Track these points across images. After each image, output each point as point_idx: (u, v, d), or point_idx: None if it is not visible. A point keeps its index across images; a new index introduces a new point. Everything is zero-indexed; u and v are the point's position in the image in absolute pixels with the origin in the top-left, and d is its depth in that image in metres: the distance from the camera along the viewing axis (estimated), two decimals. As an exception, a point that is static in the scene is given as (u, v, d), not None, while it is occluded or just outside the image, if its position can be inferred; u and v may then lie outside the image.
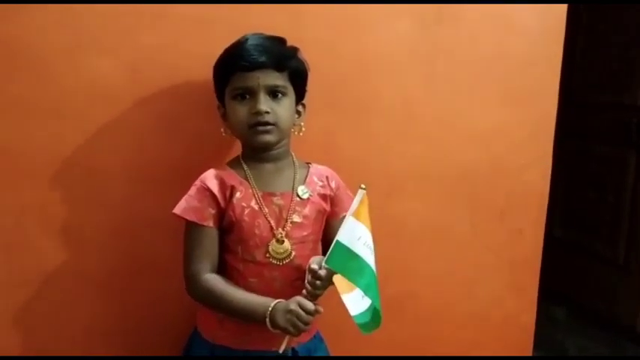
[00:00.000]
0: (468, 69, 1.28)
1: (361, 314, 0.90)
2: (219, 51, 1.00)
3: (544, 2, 1.29)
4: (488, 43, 1.28)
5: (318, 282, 0.90)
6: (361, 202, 0.90)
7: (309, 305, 0.89)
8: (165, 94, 1.11)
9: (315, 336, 1.06)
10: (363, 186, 0.91)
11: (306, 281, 0.91)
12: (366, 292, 0.88)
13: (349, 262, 0.88)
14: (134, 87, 1.10)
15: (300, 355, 1.01)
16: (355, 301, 0.90)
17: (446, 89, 1.28)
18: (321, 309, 0.90)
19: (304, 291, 0.90)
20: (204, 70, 1.03)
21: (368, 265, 0.89)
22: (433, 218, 1.31)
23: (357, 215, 0.90)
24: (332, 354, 1.11)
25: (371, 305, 0.90)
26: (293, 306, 0.88)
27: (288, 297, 0.92)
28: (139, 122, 1.11)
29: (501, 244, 1.36)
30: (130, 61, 1.09)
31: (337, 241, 0.88)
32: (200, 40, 1.10)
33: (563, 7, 1.30)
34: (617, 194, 2.15)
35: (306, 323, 0.88)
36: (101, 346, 1.17)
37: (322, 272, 0.89)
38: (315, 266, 0.90)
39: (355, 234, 0.89)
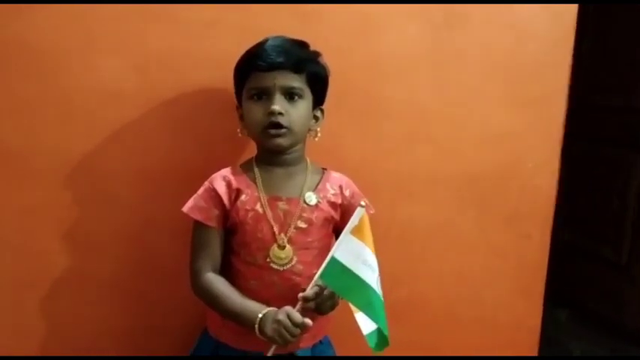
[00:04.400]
0: (477, 71, 1.25)
1: (371, 333, 0.86)
2: (228, 53, 0.98)
3: (554, 2, 1.25)
4: (498, 45, 1.25)
5: (311, 303, 0.88)
6: (361, 219, 0.86)
7: (298, 317, 0.85)
8: (174, 96, 1.09)
9: (321, 341, 1.03)
10: (362, 203, 0.87)
11: (302, 294, 0.88)
12: (365, 311, 0.85)
13: (344, 279, 0.85)
14: (143, 88, 1.08)
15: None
16: (366, 320, 0.86)
17: (455, 92, 1.24)
18: (309, 322, 0.86)
19: (298, 305, 0.87)
20: (212, 72, 1.01)
21: (368, 285, 0.85)
22: (441, 221, 1.28)
23: (356, 233, 0.86)
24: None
25: (376, 331, 0.86)
26: (281, 316, 0.85)
27: (288, 301, 0.89)
28: (147, 124, 1.10)
29: (509, 248, 1.32)
30: (139, 62, 1.08)
31: (332, 257, 0.85)
32: (209, 43, 1.08)
33: (574, 8, 1.26)
34: (622, 198, 2.11)
35: (293, 335, 0.85)
36: (108, 347, 1.15)
37: (312, 291, 0.87)
38: (310, 289, 0.88)
39: (353, 252, 0.85)
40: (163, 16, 1.07)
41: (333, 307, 0.92)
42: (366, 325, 0.86)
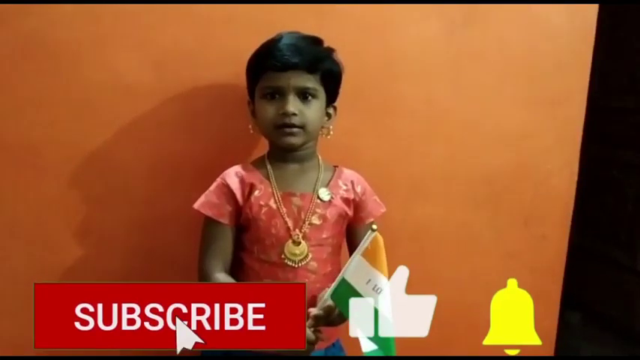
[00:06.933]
0: (494, 71, 1.21)
1: (373, 351, 0.83)
2: (243, 50, 0.96)
3: (574, 2, 1.22)
4: (516, 45, 1.21)
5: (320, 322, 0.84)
6: (374, 243, 0.80)
7: (310, 337, 0.82)
8: (190, 91, 1.08)
9: (334, 344, 1.00)
10: (374, 227, 0.80)
11: (314, 313, 0.84)
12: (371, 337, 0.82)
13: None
14: (158, 83, 1.07)
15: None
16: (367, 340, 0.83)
17: (472, 91, 1.21)
18: (322, 338, 0.84)
19: (308, 322, 0.83)
20: (228, 69, 1.00)
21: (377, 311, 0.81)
22: (455, 222, 1.25)
23: (368, 257, 0.81)
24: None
25: (377, 350, 0.83)
26: None
27: None
28: (162, 119, 1.08)
29: (524, 250, 1.29)
30: (155, 57, 1.06)
31: (342, 278, 0.82)
32: (225, 39, 1.07)
33: (594, 8, 1.22)
34: (636, 201, 2.06)
35: (307, 353, 0.83)
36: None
37: (323, 310, 0.84)
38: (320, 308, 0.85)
39: (363, 276, 0.81)
40: (180, 13, 1.05)
41: (343, 322, 0.88)
42: (367, 343, 0.82)
